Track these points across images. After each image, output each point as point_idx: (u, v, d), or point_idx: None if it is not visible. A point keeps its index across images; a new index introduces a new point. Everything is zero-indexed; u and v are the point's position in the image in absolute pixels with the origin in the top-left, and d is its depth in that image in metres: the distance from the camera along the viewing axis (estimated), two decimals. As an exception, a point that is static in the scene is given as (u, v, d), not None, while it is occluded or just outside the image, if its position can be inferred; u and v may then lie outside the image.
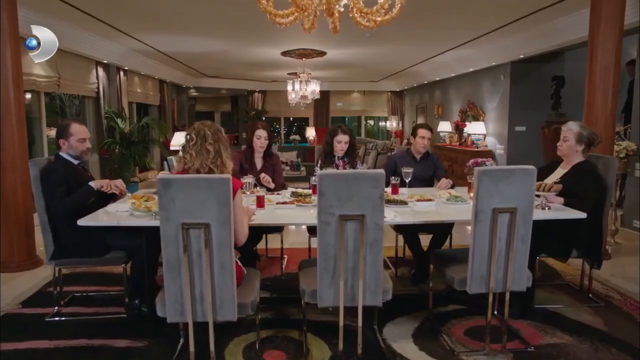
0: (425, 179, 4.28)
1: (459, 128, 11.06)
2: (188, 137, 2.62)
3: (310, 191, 3.76)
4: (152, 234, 3.15)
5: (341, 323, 2.59)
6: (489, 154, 9.78)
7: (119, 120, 8.49)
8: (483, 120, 10.15)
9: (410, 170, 3.81)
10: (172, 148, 8.58)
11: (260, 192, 3.24)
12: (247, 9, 6.10)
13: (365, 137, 16.42)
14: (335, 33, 3.63)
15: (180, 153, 2.64)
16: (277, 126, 17.18)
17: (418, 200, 3.34)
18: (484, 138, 10.06)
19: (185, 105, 13.94)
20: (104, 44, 7.90)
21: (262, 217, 3.01)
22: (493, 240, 2.68)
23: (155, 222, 2.86)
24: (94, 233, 3.16)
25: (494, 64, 9.24)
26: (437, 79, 12.30)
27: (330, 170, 2.53)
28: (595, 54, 4.38)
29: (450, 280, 2.88)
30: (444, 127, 11.71)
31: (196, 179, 2.28)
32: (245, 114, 15.04)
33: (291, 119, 17.24)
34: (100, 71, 8.44)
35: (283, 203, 3.29)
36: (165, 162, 8.80)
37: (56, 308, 3.43)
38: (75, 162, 3.35)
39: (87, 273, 4.13)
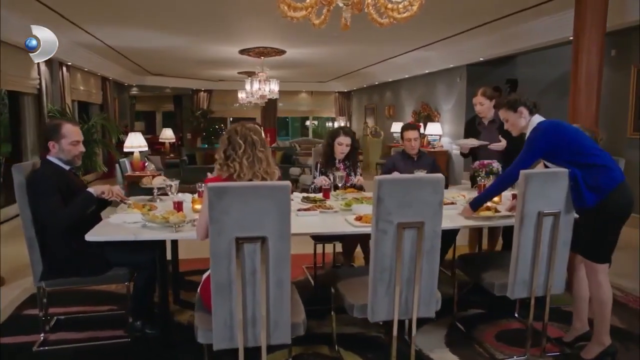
0: None
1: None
2: (230, 140, 2.31)
3: (321, 195, 3.56)
4: (164, 247, 2.85)
5: (395, 333, 2.43)
6: (445, 154, 10.02)
7: (64, 120, 7.77)
8: (438, 121, 10.36)
9: (423, 172, 3.71)
10: (125, 150, 8.02)
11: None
12: (210, 3, 5.78)
13: (313, 137, 16.35)
14: (346, 29, 3.45)
15: (221, 159, 2.33)
16: (223, 126, 16.66)
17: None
18: (440, 138, 10.27)
19: (127, 104, 13.14)
20: (49, 36, 7.19)
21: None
22: (537, 244, 2.63)
23: (176, 235, 2.57)
24: (94, 248, 2.78)
25: (451, 65, 9.45)
26: (390, 80, 12.43)
27: (389, 176, 2.36)
28: (581, 59, 4.52)
29: (490, 285, 2.80)
30: (398, 128, 11.84)
31: (255, 187, 2.03)
32: (190, 113, 14.42)
33: (231, 119, 16.66)
34: (42, 66, 7.68)
35: (305, 210, 3.06)
36: (117, 165, 8.21)
37: (42, 335, 2.98)
38: (66, 167, 2.94)
39: (66, 291, 3.64)
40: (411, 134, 4.09)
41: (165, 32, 7.58)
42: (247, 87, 9.60)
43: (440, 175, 2.31)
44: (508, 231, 3.61)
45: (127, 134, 8.65)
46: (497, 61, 8.81)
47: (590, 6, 4.42)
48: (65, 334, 3.06)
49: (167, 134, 11.61)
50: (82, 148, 2.96)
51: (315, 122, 17.92)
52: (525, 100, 2.85)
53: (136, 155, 7.92)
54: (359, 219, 2.82)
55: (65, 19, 6.52)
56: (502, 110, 2.92)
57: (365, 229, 2.71)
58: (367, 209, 3.06)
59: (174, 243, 3.52)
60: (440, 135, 10.22)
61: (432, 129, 10.23)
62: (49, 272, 2.81)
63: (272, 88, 9.31)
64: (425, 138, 10.57)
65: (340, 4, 3.25)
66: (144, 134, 13.69)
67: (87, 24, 6.94)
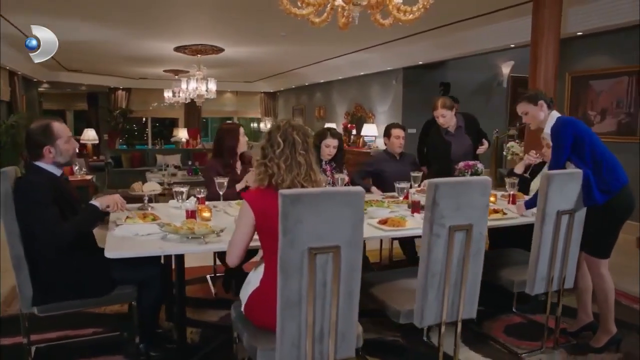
0: (407, 177, 4.24)
1: (347, 130, 11.37)
2: (270, 136, 2.11)
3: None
4: (182, 260, 2.60)
5: (441, 331, 2.42)
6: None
7: (-24, 120, 6.89)
8: (373, 123, 10.58)
9: (419, 174, 3.74)
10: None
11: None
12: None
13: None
14: (345, 29, 3.38)
15: (260, 157, 2.14)
16: (135, 127, 15.73)
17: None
18: (375, 139, 10.49)
19: (35, 102, 11.91)
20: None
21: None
22: (556, 241, 2.75)
23: (205, 247, 2.35)
24: (96, 266, 2.47)
25: (388, 68, 9.68)
26: (321, 81, 12.47)
27: (444, 179, 2.32)
28: (539, 65, 4.83)
29: (508, 283, 2.88)
30: (330, 129, 11.91)
31: (331, 193, 1.90)
32: (108, 113, 13.42)
33: (145, 119, 15.69)
34: (-52, 58, 6.74)
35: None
36: (41, 170, 7.40)
37: (27, 369, 2.59)
38: (58, 173, 2.57)
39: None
40: (399, 132, 4.14)
41: (94, 23, 6.94)
42: (183, 85, 9.11)
43: (488, 178, 2.33)
44: (498, 232, 3.74)
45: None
46: (431, 65, 9.19)
47: (547, 15, 4.73)
48: (54, 365, 2.67)
49: (90, 135, 10.69)
50: (75, 143, 2.62)
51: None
52: (542, 95, 2.98)
53: (64, 158, 7.21)
54: (383, 222, 2.77)
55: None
56: (523, 104, 3.01)
57: (398, 232, 2.69)
58: (383, 212, 3.02)
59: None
60: (375, 136, 10.43)
61: (368, 130, 10.43)
62: (43, 295, 2.44)
63: (210, 87, 8.92)
64: (361, 139, 10.77)
65: (345, 5, 3.17)
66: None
67: (7, 10, 6.16)
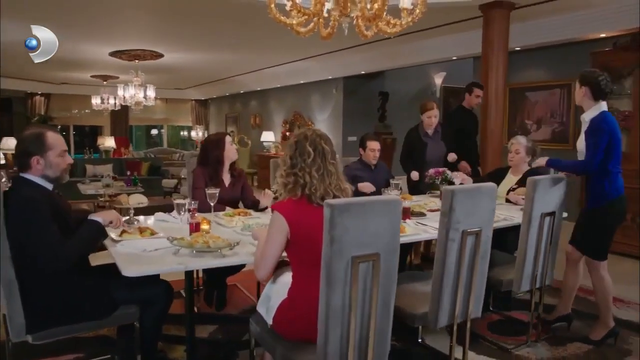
0: (382, 186, 4.34)
1: (287, 138, 11.39)
2: (297, 145, 2.09)
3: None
4: (191, 276, 2.49)
5: (454, 329, 2.51)
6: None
7: None
8: (313, 131, 10.67)
9: (399, 181, 3.85)
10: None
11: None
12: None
13: (168, 146, 15.45)
14: (329, 38, 3.42)
15: (287, 166, 2.11)
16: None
17: (429, 211, 3.41)
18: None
19: (-60, 108, 10.74)
20: None
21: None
22: (540, 241, 2.97)
23: (224, 261, 2.28)
24: (97, 286, 2.32)
25: (329, 77, 9.82)
26: (258, 88, 12.39)
27: (462, 186, 2.40)
28: (490, 78, 5.16)
29: (497, 283, 3.05)
30: (268, 137, 11.88)
31: (375, 202, 1.93)
32: (25, 120, 12.40)
33: (61, 127, 14.60)
34: None
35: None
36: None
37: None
38: (50, 186, 2.37)
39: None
40: (375, 145, 4.19)
41: (16, 21, 6.38)
42: (120, 92, 8.67)
43: (494, 184, 2.48)
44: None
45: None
46: (371, 75, 9.48)
47: (496, 30, 5.08)
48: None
49: (10, 144, 9.78)
50: (70, 159, 2.43)
51: (163, 131, 16.85)
52: (598, 83, 2.92)
53: (-11, 170, 6.60)
54: (384, 229, 2.83)
55: None
56: (578, 80, 3.05)
57: (406, 238, 2.76)
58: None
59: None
60: (316, 144, 10.53)
61: (309, 138, 10.50)
62: (38, 322, 2.22)
63: (148, 94, 8.56)
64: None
65: (339, 17, 3.21)
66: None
67: None
